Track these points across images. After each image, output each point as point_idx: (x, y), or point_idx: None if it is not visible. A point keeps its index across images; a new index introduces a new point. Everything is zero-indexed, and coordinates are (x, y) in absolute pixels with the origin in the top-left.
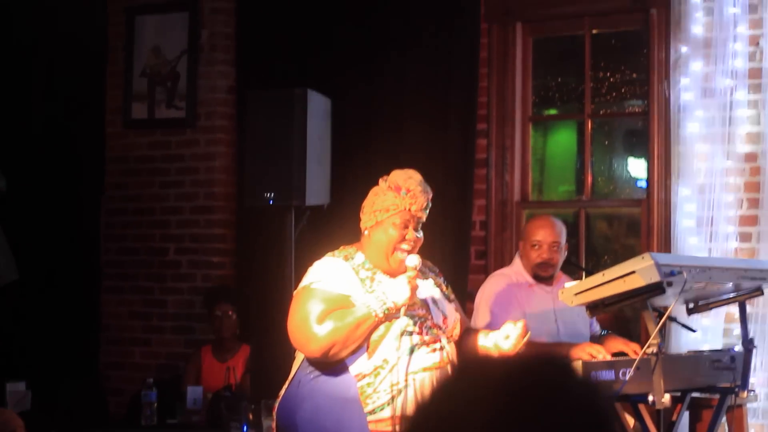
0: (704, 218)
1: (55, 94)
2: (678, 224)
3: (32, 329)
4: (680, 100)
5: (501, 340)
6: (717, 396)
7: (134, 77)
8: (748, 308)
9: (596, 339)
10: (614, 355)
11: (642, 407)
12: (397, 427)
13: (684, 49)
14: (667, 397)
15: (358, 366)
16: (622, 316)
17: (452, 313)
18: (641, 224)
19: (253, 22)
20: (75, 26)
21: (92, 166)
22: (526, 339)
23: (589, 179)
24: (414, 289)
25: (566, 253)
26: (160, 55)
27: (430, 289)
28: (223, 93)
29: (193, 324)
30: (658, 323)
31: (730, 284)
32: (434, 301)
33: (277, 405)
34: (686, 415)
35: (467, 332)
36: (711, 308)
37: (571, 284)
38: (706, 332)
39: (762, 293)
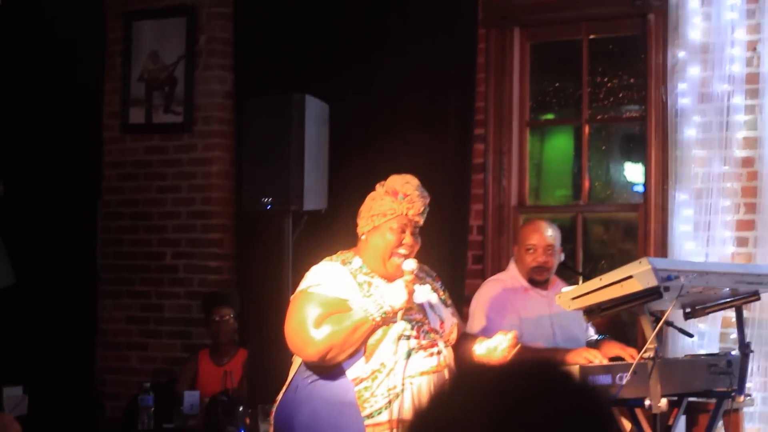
0: (701, 223)
1: (52, 98)
2: (675, 229)
3: (29, 334)
4: (677, 105)
5: (492, 349)
6: (714, 400)
7: (132, 82)
8: (745, 313)
9: (592, 344)
10: (611, 359)
11: (639, 411)
12: (395, 431)
13: (681, 54)
14: (664, 402)
15: (356, 370)
16: (618, 320)
17: (449, 317)
18: (638, 229)
19: (250, 28)
20: (73, 31)
21: (90, 171)
22: (516, 350)
23: (587, 184)
24: (411, 293)
25: (561, 256)
26: (158, 61)
27: (427, 293)
28: (221, 98)
29: (190, 328)
30: (655, 328)
31: (727, 289)
32: (431, 305)
33: (274, 410)
34: (683, 419)
35: (463, 338)
36: (708, 313)
37: (568, 289)
38: (703, 337)
39: (759, 298)
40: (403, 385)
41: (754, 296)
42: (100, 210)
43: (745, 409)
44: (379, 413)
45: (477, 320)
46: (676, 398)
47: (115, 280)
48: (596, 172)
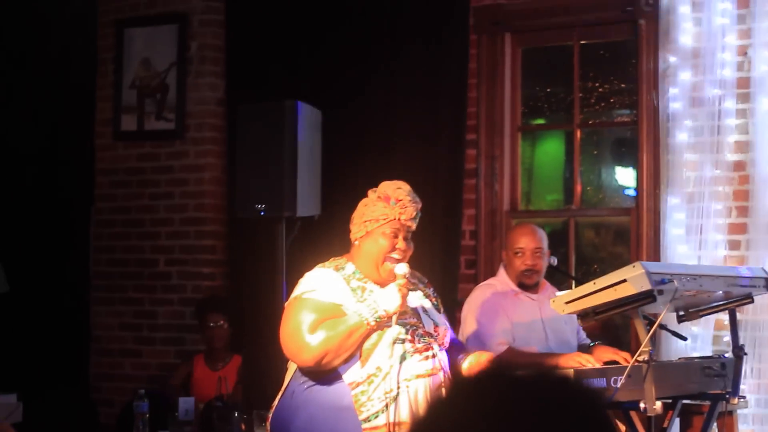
0: (693, 227)
1: (44, 106)
2: (667, 233)
3: (23, 341)
4: (669, 110)
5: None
6: (708, 403)
7: (124, 89)
8: (738, 315)
9: (585, 349)
10: (605, 363)
11: (633, 414)
12: None
13: (672, 59)
14: (658, 404)
15: (352, 374)
16: (611, 323)
17: (443, 321)
18: (630, 233)
19: (242, 35)
20: (65, 39)
21: (82, 178)
22: None
23: (579, 188)
24: (404, 296)
25: (554, 260)
26: (150, 68)
27: (419, 298)
28: (213, 105)
29: (184, 335)
30: (649, 331)
31: (720, 292)
32: (425, 309)
33: (270, 415)
34: (677, 421)
35: (450, 349)
36: (701, 316)
37: (562, 293)
38: (696, 339)
39: (752, 300)
40: (399, 388)
41: (747, 299)
42: (93, 217)
43: (739, 411)
44: (376, 417)
45: (469, 325)
46: (670, 401)
47: (108, 287)
48: (588, 176)
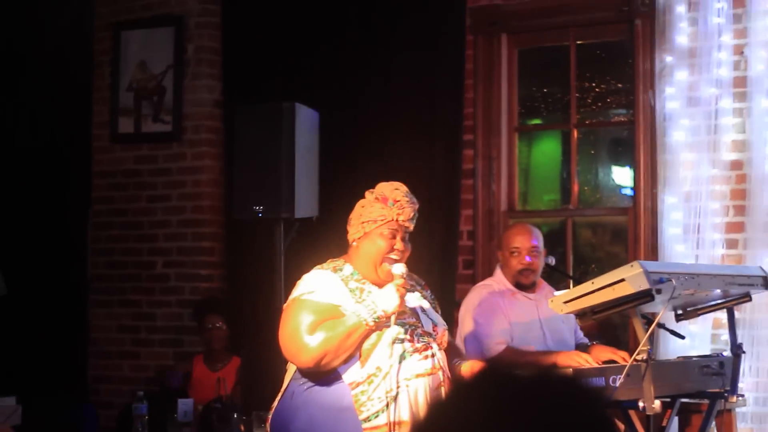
0: (691, 226)
1: (41, 109)
2: (665, 232)
3: (21, 344)
4: (665, 109)
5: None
6: (706, 401)
7: (120, 92)
8: (736, 314)
9: (583, 348)
10: (603, 363)
11: (632, 413)
12: None
13: (669, 58)
14: (657, 403)
15: (352, 374)
16: (609, 323)
17: (441, 321)
18: (628, 232)
19: (238, 37)
20: (61, 41)
21: (79, 181)
22: None
23: (576, 188)
24: (402, 296)
25: (552, 260)
26: (147, 70)
27: (418, 298)
28: (209, 107)
29: (182, 337)
30: (647, 330)
31: (718, 291)
32: (423, 309)
33: (270, 417)
34: (676, 420)
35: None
36: (699, 314)
37: (560, 293)
38: (694, 338)
39: (750, 299)
40: (399, 387)
41: (745, 298)
42: (91, 220)
43: (738, 410)
44: (377, 416)
45: (466, 326)
46: (669, 399)
47: (106, 290)
48: (585, 176)
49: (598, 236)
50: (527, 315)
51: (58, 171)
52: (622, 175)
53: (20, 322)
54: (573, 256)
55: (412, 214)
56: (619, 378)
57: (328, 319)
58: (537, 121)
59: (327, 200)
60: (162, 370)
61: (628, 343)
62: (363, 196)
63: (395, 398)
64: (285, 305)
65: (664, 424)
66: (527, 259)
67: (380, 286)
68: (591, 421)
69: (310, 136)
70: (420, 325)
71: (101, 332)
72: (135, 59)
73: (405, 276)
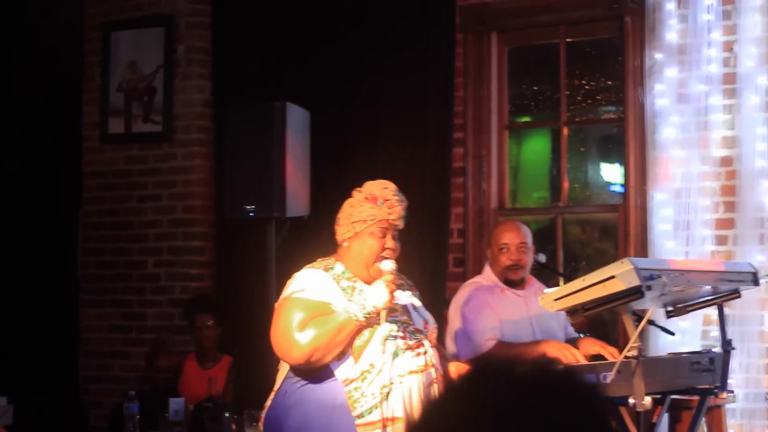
0: (681, 222)
1: (31, 109)
2: (655, 228)
3: (12, 344)
4: (655, 106)
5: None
6: (696, 397)
7: (111, 92)
8: (726, 310)
9: (572, 342)
10: (591, 357)
11: (623, 410)
12: (387, 430)
13: (659, 55)
14: (647, 400)
15: (345, 371)
16: (599, 319)
17: (432, 319)
18: (618, 229)
19: (229, 37)
20: (51, 42)
21: (69, 181)
22: None
23: (566, 186)
24: (392, 292)
25: (540, 256)
26: (137, 70)
27: (409, 296)
28: (200, 107)
29: (173, 336)
30: (637, 327)
31: (708, 287)
32: (414, 307)
33: (263, 415)
34: (666, 416)
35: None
36: (690, 311)
37: (551, 290)
38: (684, 334)
39: (739, 295)
40: (392, 384)
41: (735, 294)
42: (81, 220)
43: (728, 406)
44: (370, 413)
45: (456, 323)
46: (659, 396)
47: (96, 290)
48: (575, 173)
49: (588, 233)
50: (517, 312)
51: (49, 171)
52: (612, 172)
53: (11, 322)
54: (563, 253)
55: (402, 213)
56: (610, 375)
57: (319, 316)
58: (527, 119)
59: (318, 199)
60: (158, 343)
61: (618, 340)
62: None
63: (388, 395)
64: (276, 304)
65: (654, 420)
66: (516, 255)
67: (372, 284)
68: (588, 417)
69: (302, 136)
70: (411, 322)
71: (92, 332)
72: (125, 59)
73: (394, 272)
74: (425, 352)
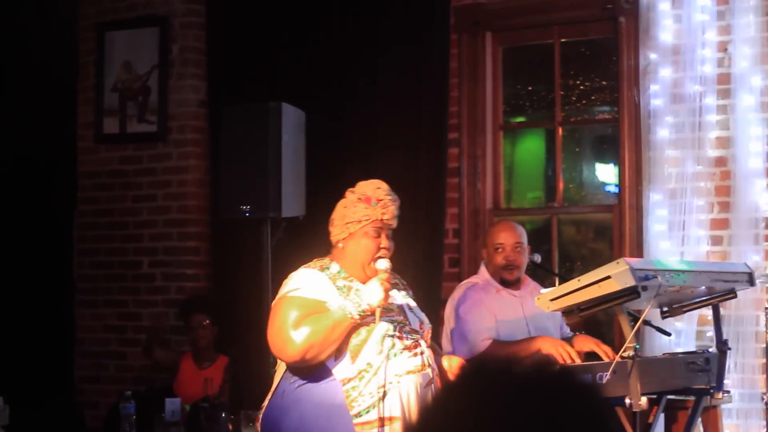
0: (676, 222)
1: (26, 110)
2: (650, 229)
3: (7, 344)
4: (650, 106)
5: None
6: (692, 398)
7: (105, 92)
8: (722, 311)
9: (567, 340)
10: (586, 355)
11: (618, 410)
12: (384, 429)
13: (653, 56)
14: (644, 400)
15: (343, 371)
16: (594, 319)
17: (426, 319)
18: (613, 230)
19: (223, 37)
20: (46, 42)
21: (64, 182)
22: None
23: (561, 186)
24: (387, 290)
25: (535, 256)
26: (131, 70)
27: (403, 297)
28: (195, 107)
29: (169, 336)
30: (633, 327)
31: (704, 287)
32: (410, 307)
33: (261, 416)
34: (662, 417)
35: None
36: (685, 311)
37: (547, 290)
38: (680, 335)
39: (735, 296)
40: (390, 383)
41: (731, 294)
42: (76, 220)
43: (723, 406)
44: (368, 412)
45: (453, 323)
46: (655, 396)
47: (92, 290)
48: (570, 174)
49: (583, 233)
50: (512, 312)
51: (44, 172)
52: (606, 173)
53: (6, 323)
54: (558, 253)
55: (395, 212)
56: (606, 375)
57: (314, 314)
58: (522, 119)
59: (314, 199)
60: (154, 331)
61: (613, 340)
62: None
63: (386, 394)
64: (273, 304)
65: (650, 420)
66: (511, 255)
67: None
68: (588, 417)
69: (297, 136)
70: (408, 322)
71: (87, 332)
72: (120, 60)
73: (389, 271)
74: (422, 353)
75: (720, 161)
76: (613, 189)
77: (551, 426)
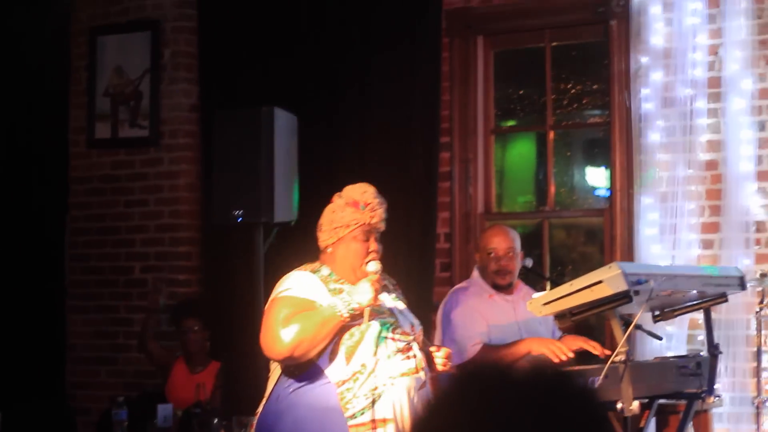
0: (667, 226)
1: (17, 114)
2: (641, 233)
3: None
4: (641, 110)
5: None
6: (684, 402)
7: (97, 97)
8: (713, 315)
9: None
10: (578, 356)
11: (610, 414)
12: (377, 431)
13: (644, 59)
14: (635, 404)
15: (337, 373)
16: (585, 323)
17: (417, 321)
18: (604, 233)
19: (215, 41)
20: (38, 47)
21: (56, 186)
22: (445, 369)
23: (552, 190)
24: (377, 291)
25: (527, 261)
26: (123, 75)
27: (393, 299)
28: (186, 111)
29: (160, 342)
30: (625, 331)
31: (695, 291)
32: (399, 311)
33: (255, 422)
34: (653, 421)
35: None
36: (677, 315)
37: (539, 294)
38: (671, 339)
39: (726, 300)
40: (384, 385)
41: (722, 298)
42: (68, 225)
43: (714, 410)
44: (362, 413)
45: (445, 328)
46: (647, 400)
47: (83, 295)
48: (561, 177)
49: (574, 237)
50: (505, 316)
51: (35, 176)
52: (597, 176)
53: None
54: (549, 257)
55: (383, 215)
56: (598, 379)
57: (304, 312)
58: (513, 123)
59: (306, 204)
60: (148, 322)
61: (604, 344)
62: None
63: (380, 396)
64: (265, 307)
65: (642, 425)
66: (504, 260)
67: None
68: (585, 421)
69: (289, 140)
70: (399, 325)
71: (79, 338)
72: (111, 64)
73: (379, 272)
74: (414, 356)
75: (711, 165)
76: (604, 193)
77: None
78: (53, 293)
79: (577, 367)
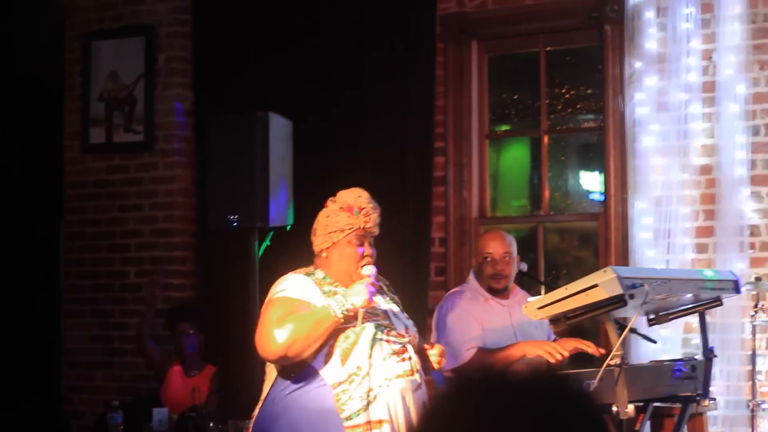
0: (661, 230)
1: (12, 119)
2: (635, 237)
3: None
4: (635, 115)
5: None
6: (679, 405)
7: (92, 102)
8: (707, 318)
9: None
10: (573, 359)
11: (606, 418)
12: None
13: (638, 64)
14: (630, 408)
15: (333, 375)
16: (580, 327)
17: (412, 324)
18: (599, 238)
19: (210, 46)
20: (32, 52)
21: (51, 192)
22: (438, 367)
23: (547, 194)
24: (371, 292)
25: (522, 265)
26: (117, 80)
27: (387, 302)
28: (181, 116)
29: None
30: (620, 335)
31: (690, 295)
32: (394, 313)
33: (251, 425)
34: (648, 424)
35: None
36: (671, 319)
37: (534, 299)
38: (666, 342)
39: (721, 303)
40: (377, 387)
41: (717, 302)
42: (63, 230)
43: (709, 413)
44: (358, 415)
45: (440, 332)
46: (642, 404)
47: (78, 300)
48: (556, 182)
49: (569, 242)
50: (500, 321)
51: (30, 182)
52: (592, 181)
53: None
54: (544, 261)
55: (377, 220)
56: (593, 383)
57: (298, 312)
58: (507, 128)
59: (301, 209)
60: (144, 319)
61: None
62: None
63: (375, 398)
64: (261, 309)
65: (637, 428)
66: (499, 265)
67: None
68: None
69: (284, 145)
70: (394, 327)
71: (74, 342)
72: (106, 69)
73: (374, 276)
74: (410, 358)
75: (705, 169)
76: (598, 197)
77: None
78: (48, 297)
79: (572, 371)
